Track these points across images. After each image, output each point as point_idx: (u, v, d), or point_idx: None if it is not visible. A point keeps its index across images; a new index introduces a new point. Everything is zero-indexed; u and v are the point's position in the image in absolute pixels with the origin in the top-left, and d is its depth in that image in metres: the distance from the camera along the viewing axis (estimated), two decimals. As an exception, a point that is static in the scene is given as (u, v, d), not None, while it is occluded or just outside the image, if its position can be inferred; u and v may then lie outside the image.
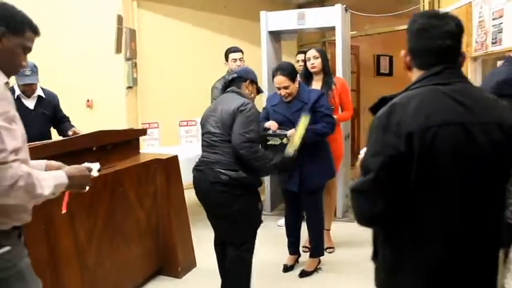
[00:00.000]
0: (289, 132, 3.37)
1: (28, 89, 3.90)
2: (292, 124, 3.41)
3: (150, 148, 5.94)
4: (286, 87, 3.47)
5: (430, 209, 1.41)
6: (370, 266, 1.64)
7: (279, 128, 3.47)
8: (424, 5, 6.19)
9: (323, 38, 7.78)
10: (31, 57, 1.94)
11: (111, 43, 5.90)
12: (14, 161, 1.52)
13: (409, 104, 1.42)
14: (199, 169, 3.02)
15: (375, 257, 1.61)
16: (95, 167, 2.01)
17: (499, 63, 3.62)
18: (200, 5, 6.83)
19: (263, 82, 5.38)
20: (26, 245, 1.83)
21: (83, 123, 4.37)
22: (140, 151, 4.14)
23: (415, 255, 1.45)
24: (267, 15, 5.38)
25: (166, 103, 6.44)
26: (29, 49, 1.76)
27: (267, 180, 5.35)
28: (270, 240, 4.14)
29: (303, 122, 3.28)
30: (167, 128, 6.55)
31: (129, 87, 6.11)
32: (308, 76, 4.19)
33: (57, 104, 4.22)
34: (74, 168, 1.83)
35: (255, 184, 3.04)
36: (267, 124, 3.51)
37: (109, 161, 3.34)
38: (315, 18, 5.23)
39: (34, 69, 3.77)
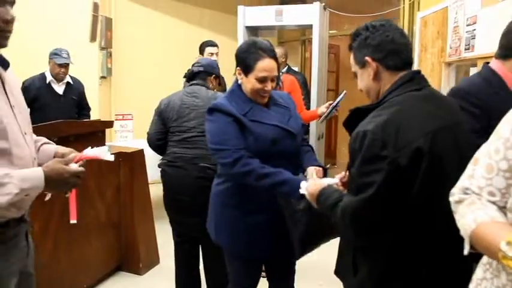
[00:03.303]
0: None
1: (64, 72, 4.30)
2: (294, 139, 2.21)
3: (122, 140, 5.84)
4: (274, 80, 2.17)
5: (433, 216, 1.37)
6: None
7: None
8: (404, 6, 6.18)
9: (303, 36, 7.75)
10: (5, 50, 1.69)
11: (86, 31, 5.77)
12: None
13: (400, 116, 1.39)
14: (176, 165, 2.89)
15: (355, 273, 1.53)
16: (103, 150, 1.82)
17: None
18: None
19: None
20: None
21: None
22: (109, 143, 4.04)
23: (409, 265, 1.43)
24: (245, 10, 5.29)
25: (141, 95, 6.31)
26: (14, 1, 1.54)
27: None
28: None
29: None
30: (141, 120, 6.43)
31: (102, 77, 5.98)
32: None
33: (83, 90, 4.67)
34: (52, 171, 1.54)
35: None
36: (304, 187, 1.82)
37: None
38: (293, 15, 5.16)
39: (68, 53, 4.30)
